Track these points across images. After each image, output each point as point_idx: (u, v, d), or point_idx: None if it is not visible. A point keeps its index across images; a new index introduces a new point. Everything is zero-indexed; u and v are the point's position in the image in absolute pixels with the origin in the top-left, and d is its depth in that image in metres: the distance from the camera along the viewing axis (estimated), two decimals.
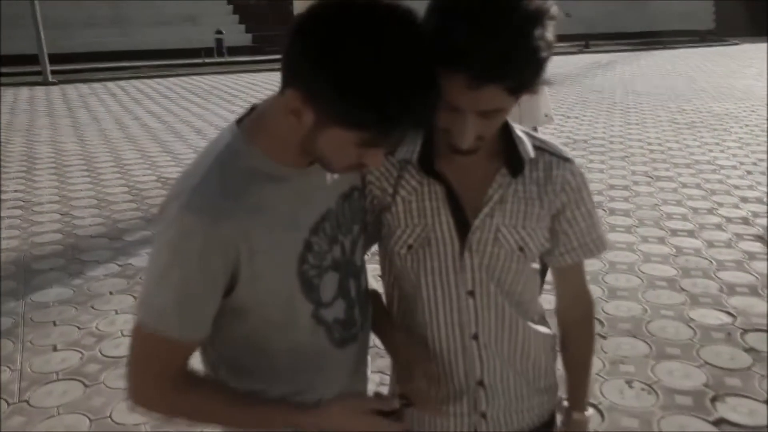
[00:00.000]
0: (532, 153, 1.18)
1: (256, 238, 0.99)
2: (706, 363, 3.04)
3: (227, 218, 0.96)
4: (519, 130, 1.20)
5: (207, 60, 19.18)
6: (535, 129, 3.25)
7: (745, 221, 4.99)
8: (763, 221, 4.99)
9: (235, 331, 1.09)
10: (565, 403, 1.38)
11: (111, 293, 3.94)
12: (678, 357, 3.09)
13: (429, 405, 1.19)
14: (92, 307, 3.75)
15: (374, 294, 1.29)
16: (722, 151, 7.37)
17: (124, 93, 13.46)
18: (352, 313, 1.18)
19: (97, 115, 10.80)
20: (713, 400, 2.76)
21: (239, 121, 1.06)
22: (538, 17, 0.95)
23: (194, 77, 16.26)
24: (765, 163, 6.77)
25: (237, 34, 21.35)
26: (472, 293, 1.20)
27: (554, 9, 0.98)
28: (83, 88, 14.41)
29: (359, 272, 1.21)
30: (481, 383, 1.25)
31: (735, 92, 12.03)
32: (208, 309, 1.01)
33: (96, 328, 3.51)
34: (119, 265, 4.36)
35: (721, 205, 5.41)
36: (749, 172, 6.44)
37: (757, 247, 4.47)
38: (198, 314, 1.00)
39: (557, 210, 1.21)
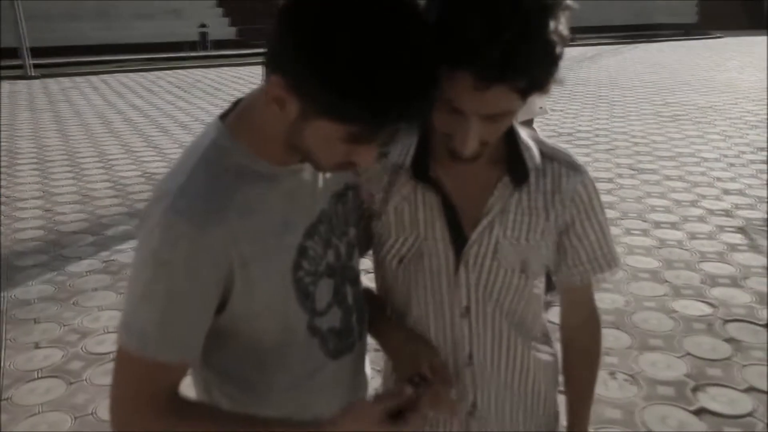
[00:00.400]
0: (539, 161, 1.08)
1: (247, 245, 0.90)
2: (688, 353, 3.07)
3: (216, 222, 0.87)
4: (526, 135, 1.10)
5: (191, 54, 19.03)
6: (531, 121, 3.27)
7: (727, 213, 5.04)
8: (744, 213, 5.04)
9: (227, 350, 1.00)
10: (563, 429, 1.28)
11: (94, 289, 3.91)
12: (660, 348, 3.13)
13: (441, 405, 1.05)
14: (75, 304, 3.73)
15: (369, 293, 1.20)
16: (705, 144, 7.43)
17: (107, 87, 13.32)
18: (348, 322, 1.09)
19: (80, 109, 10.69)
20: (694, 390, 2.79)
21: (223, 117, 0.97)
22: (552, 7, 0.85)
23: (178, 71, 16.12)
24: (747, 156, 6.84)
25: (221, 28, 21.19)
26: (467, 312, 1.11)
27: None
28: (65, 81, 14.24)
29: (356, 278, 1.12)
30: (473, 406, 1.16)
31: (718, 85, 12.13)
32: (198, 327, 0.91)
33: (79, 324, 3.48)
34: (103, 261, 4.33)
35: (703, 197, 5.46)
36: (732, 165, 6.50)
37: (738, 238, 4.52)
38: (186, 333, 0.90)
39: (565, 223, 1.11)
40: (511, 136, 1.07)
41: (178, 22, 20.67)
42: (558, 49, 0.86)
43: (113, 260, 4.35)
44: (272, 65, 0.83)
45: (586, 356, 1.26)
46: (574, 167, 1.11)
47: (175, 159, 5.60)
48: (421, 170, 1.06)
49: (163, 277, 0.86)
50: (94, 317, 3.56)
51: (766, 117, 8.93)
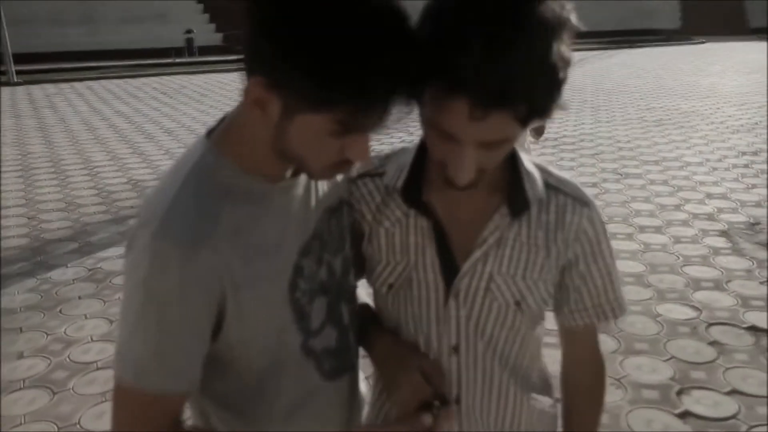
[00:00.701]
0: (542, 192, 1.00)
1: (239, 269, 0.86)
2: (673, 357, 3.10)
3: (206, 246, 0.83)
4: (530, 162, 1.02)
5: (177, 60, 18.96)
6: (542, 128, 3.29)
7: (711, 217, 5.09)
8: (727, 217, 5.10)
9: (222, 376, 0.95)
10: None
11: (80, 298, 3.88)
12: (645, 351, 3.15)
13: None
14: (60, 312, 3.69)
15: (364, 306, 1.15)
16: (689, 148, 7.51)
17: (92, 93, 13.24)
18: (345, 341, 1.05)
19: (64, 116, 10.61)
20: (679, 393, 2.82)
21: (209, 134, 0.92)
22: (556, 29, 0.78)
23: (164, 77, 16.06)
24: (729, 160, 6.92)
25: (207, 34, 21.15)
26: (456, 349, 1.02)
27: (574, 18, 0.81)
28: (50, 88, 14.14)
29: (352, 296, 1.08)
30: None
31: (700, 90, 12.27)
32: (195, 354, 0.87)
33: (64, 333, 3.45)
34: (88, 269, 4.30)
35: (687, 201, 5.51)
36: (714, 169, 6.58)
37: (721, 242, 4.57)
38: (184, 362, 0.86)
39: (569, 261, 1.03)
40: (513, 163, 0.99)
41: (164, 27, 20.60)
42: (561, 74, 0.79)
43: (99, 268, 4.32)
44: (249, 68, 0.80)
45: (587, 399, 1.16)
46: (581, 201, 1.02)
47: (161, 166, 5.55)
48: (413, 193, 1.00)
49: (154, 306, 0.82)
50: (79, 326, 3.53)
51: (765, 120, 9.04)
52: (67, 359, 3.19)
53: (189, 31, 20.12)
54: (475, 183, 0.88)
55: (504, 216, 0.98)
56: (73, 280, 4.14)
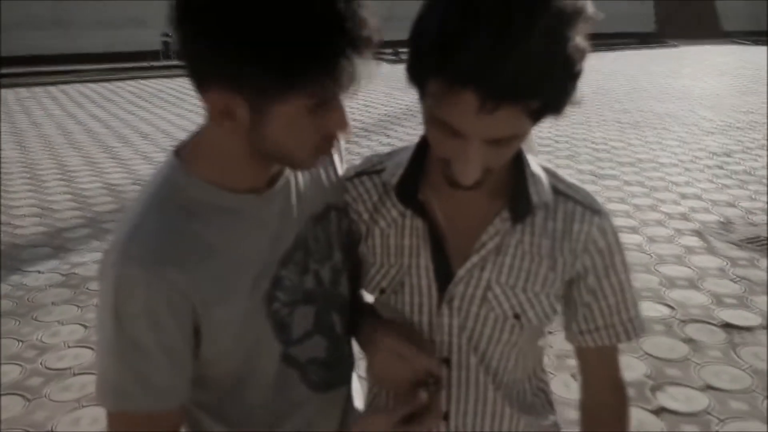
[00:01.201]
0: (549, 198, 0.93)
1: (209, 287, 0.84)
2: (647, 354, 3.15)
3: (172, 266, 0.81)
4: (537, 165, 0.95)
5: (154, 63, 18.80)
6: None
7: (684, 217, 5.17)
8: (700, 216, 5.18)
9: (208, 388, 0.94)
10: None
11: (54, 304, 3.82)
12: (621, 349, 3.18)
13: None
14: (34, 319, 3.64)
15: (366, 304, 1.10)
16: (663, 150, 7.62)
17: (67, 97, 13.07)
18: (338, 352, 1.01)
19: (38, 120, 10.46)
20: (653, 389, 2.86)
21: (178, 151, 0.90)
22: (572, 17, 0.73)
23: (141, 81, 15.91)
24: (702, 161, 7.04)
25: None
26: (447, 362, 0.96)
27: (590, 7, 0.75)
28: (23, 92, 13.93)
29: (344, 305, 1.03)
30: None
31: (674, 92, 12.45)
32: (177, 372, 0.85)
33: (38, 340, 3.40)
34: (62, 275, 4.24)
35: (662, 202, 5.59)
36: (688, 170, 6.68)
37: (695, 241, 4.65)
38: (166, 380, 0.84)
39: (577, 274, 0.94)
40: (519, 164, 0.92)
41: (141, 31, 20.42)
42: (577, 66, 0.74)
43: (74, 273, 4.26)
44: (202, 82, 0.78)
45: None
46: (592, 209, 0.94)
47: (137, 170, 5.49)
48: (408, 192, 0.94)
49: (125, 331, 0.81)
50: (54, 332, 3.48)
51: (737, 122, 9.20)
52: (42, 366, 3.15)
53: (166, 35, 19.95)
54: (480, 183, 0.82)
55: (505, 220, 0.91)
56: (48, 285, 4.08)
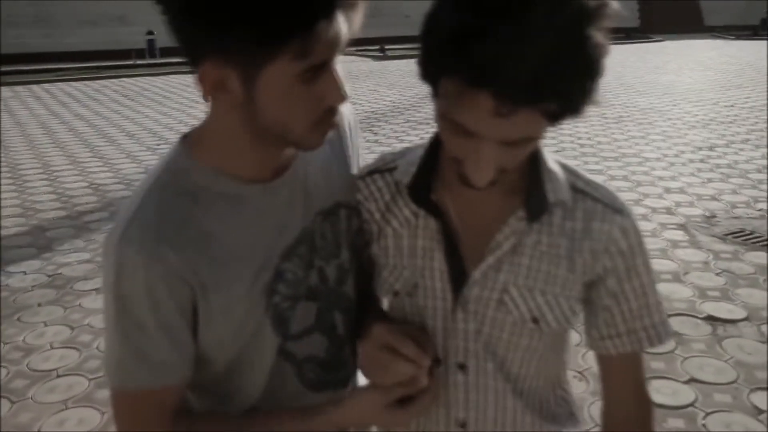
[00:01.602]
0: (567, 196, 0.89)
1: (206, 272, 0.85)
2: None
3: (170, 249, 0.82)
4: (555, 162, 0.91)
5: (138, 61, 18.65)
6: None
7: (669, 211, 5.22)
8: (684, 210, 5.23)
9: (207, 372, 0.94)
10: None
11: (39, 305, 3.79)
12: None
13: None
14: (19, 320, 3.61)
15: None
16: (647, 144, 7.68)
17: (50, 96, 12.95)
18: (339, 354, 1.00)
19: (21, 119, 10.35)
20: None
21: (185, 138, 0.91)
22: (593, 13, 0.69)
23: (125, 79, 15.78)
24: (686, 155, 7.10)
25: (169, 35, 20.84)
26: (463, 368, 0.92)
27: (613, 3, 0.71)
28: (5, 91, 13.76)
29: (349, 306, 1.01)
30: None
31: (658, 87, 12.54)
32: (178, 350, 0.87)
33: (23, 341, 3.37)
34: (48, 275, 4.21)
35: (646, 196, 5.64)
36: (672, 164, 6.73)
37: (679, 235, 4.69)
38: (165, 357, 0.86)
39: (597, 276, 0.90)
40: (535, 162, 0.88)
41: (124, 29, 20.24)
42: (598, 66, 0.71)
43: (59, 274, 4.23)
44: (194, 58, 0.78)
45: None
46: (613, 208, 0.89)
47: (122, 169, 5.45)
48: (421, 191, 0.90)
49: (126, 311, 0.84)
50: (39, 333, 3.45)
51: (719, 117, 9.29)
52: (27, 367, 3.12)
53: (150, 33, 19.80)
54: (494, 183, 0.79)
55: (521, 220, 0.87)
56: (32, 286, 4.05)
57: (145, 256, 0.81)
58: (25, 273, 4.26)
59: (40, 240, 4.88)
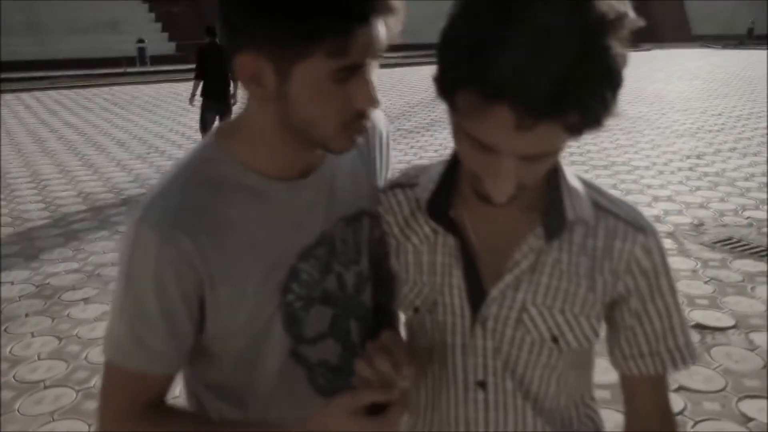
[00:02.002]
0: (588, 213, 0.87)
1: (217, 263, 0.85)
2: None
3: (184, 233, 0.83)
4: (576, 178, 0.89)
5: (129, 69, 18.62)
6: None
7: (658, 219, 5.25)
8: (673, 218, 5.27)
9: (213, 367, 0.95)
10: None
11: (26, 315, 3.76)
12: (597, 353, 3.22)
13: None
14: (6, 331, 3.57)
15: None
16: (636, 153, 7.74)
17: (40, 104, 12.89)
18: (352, 361, 0.94)
19: (11, 128, 10.30)
20: None
21: (219, 130, 0.93)
22: (614, 23, 0.67)
23: (115, 87, 15.74)
24: (675, 164, 7.15)
25: (160, 43, 20.83)
26: (482, 385, 0.91)
27: (631, 11, 0.70)
28: None
29: (365, 315, 1.01)
30: None
31: (647, 96, 12.64)
32: (174, 340, 0.87)
33: (10, 352, 3.34)
34: (36, 286, 4.17)
35: (635, 204, 5.60)
36: (661, 172, 6.79)
37: (668, 243, 4.72)
38: (159, 347, 0.86)
39: (619, 296, 0.88)
40: (555, 178, 0.86)
41: (115, 37, 20.21)
42: (619, 75, 0.69)
43: (47, 284, 4.20)
44: (234, 48, 0.80)
45: None
46: (636, 226, 0.87)
47: (112, 178, 5.42)
48: (439, 208, 0.89)
49: (132, 290, 0.86)
50: (26, 344, 3.42)
51: (707, 125, 9.36)
52: (14, 379, 3.09)
53: (141, 41, 19.78)
54: (513, 198, 0.78)
55: (539, 237, 0.85)
56: (20, 296, 4.02)
57: (159, 237, 0.82)
58: (12, 283, 4.23)
59: (29, 250, 4.85)
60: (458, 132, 0.77)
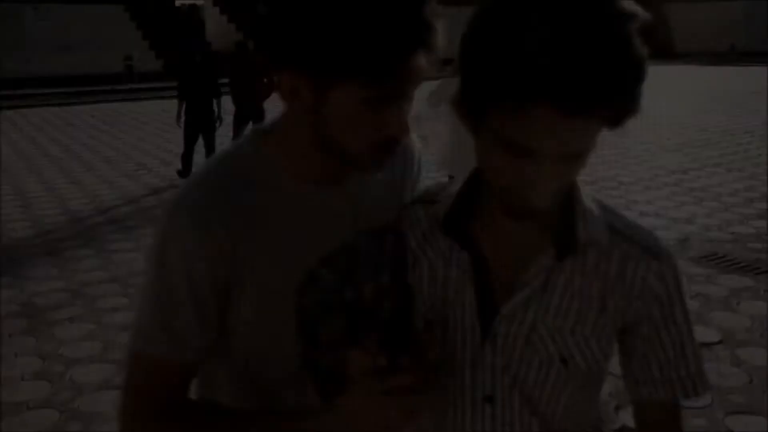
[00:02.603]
0: (602, 236, 0.87)
1: (245, 258, 0.88)
2: (609, 373, 3.15)
3: (217, 222, 0.85)
4: (592, 200, 0.90)
5: (116, 87, 18.59)
6: None
7: None
8: (660, 234, 5.28)
9: (218, 368, 0.96)
10: None
11: (10, 335, 3.71)
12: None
13: None
14: None
15: None
16: (623, 168, 7.80)
17: (26, 122, 12.83)
18: None
19: None
20: (616, 408, 2.89)
21: (260, 129, 0.96)
22: (633, 18, 0.69)
23: (102, 104, 15.71)
24: (661, 179, 7.22)
25: (148, 60, 20.84)
26: (490, 399, 0.90)
27: (641, 11, 0.72)
28: None
29: (384, 329, 0.99)
30: None
31: None
32: (199, 328, 0.88)
33: None
34: (20, 305, 4.13)
35: None
36: (647, 188, 6.84)
37: None
38: (185, 333, 0.87)
39: (631, 321, 0.88)
40: (570, 200, 0.86)
41: (102, 54, 20.20)
42: (645, 67, 0.70)
43: (32, 303, 4.15)
44: (277, 63, 0.83)
45: None
46: (651, 252, 0.87)
47: (100, 195, 5.39)
48: (456, 225, 0.90)
49: (161, 276, 0.87)
50: (10, 365, 3.37)
51: (692, 141, 9.45)
52: None
53: (128, 58, 19.78)
54: (546, 209, 0.79)
55: (550, 257, 0.86)
56: (4, 316, 3.97)
57: (192, 222, 0.85)
58: None
59: (13, 268, 4.80)
60: (489, 141, 0.77)
